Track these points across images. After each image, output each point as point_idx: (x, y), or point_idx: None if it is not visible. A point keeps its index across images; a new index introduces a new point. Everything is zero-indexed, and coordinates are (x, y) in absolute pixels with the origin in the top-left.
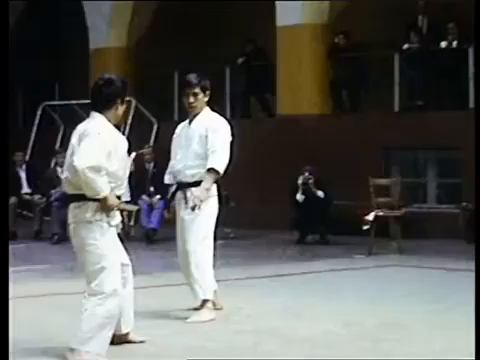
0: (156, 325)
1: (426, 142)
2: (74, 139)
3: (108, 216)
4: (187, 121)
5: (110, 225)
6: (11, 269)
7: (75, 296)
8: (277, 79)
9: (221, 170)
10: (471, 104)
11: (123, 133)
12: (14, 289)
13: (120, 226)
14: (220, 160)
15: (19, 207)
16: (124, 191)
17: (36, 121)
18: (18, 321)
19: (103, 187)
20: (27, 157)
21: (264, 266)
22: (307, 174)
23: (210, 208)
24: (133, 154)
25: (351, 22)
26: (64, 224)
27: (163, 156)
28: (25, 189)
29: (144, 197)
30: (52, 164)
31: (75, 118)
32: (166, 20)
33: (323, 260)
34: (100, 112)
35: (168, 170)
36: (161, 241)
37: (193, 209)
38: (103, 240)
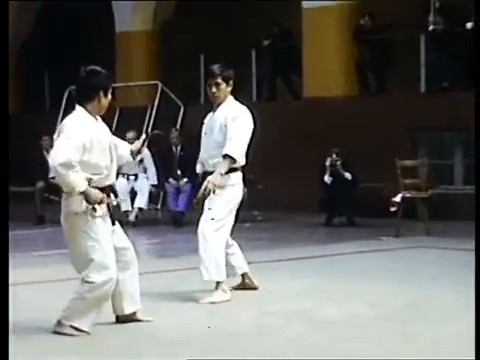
0: (183, 308)
1: (452, 123)
2: (55, 135)
3: (93, 208)
4: (212, 111)
5: (94, 217)
6: (40, 252)
7: None
8: (303, 61)
9: (237, 156)
10: None
11: (149, 116)
12: (43, 272)
13: (107, 214)
14: (236, 147)
15: (47, 191)
16: (113, 180)
17: (62, 105)
18: (51, 304)
19: (77, 182)
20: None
21: (292, 248)
22: (334, 156)
23: (227, 195)
24: (143, 136)
25: (377, 3)
26: None
27: (190, 139)
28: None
29: (171, 180)
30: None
31: None
32: (191, 3)
33: (350, 242)
34: (82, 104)
35: (198, 159)
36: (188, 224)
37: (208, 194)
38: (90, 231)
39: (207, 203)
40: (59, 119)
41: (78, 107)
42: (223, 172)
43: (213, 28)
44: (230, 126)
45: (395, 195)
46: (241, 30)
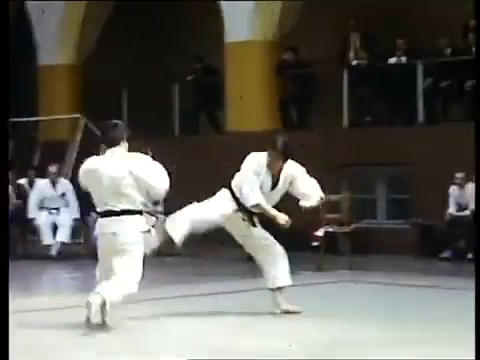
0: (106, 342)
1: (375, 158)
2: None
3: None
4: None
5: None
6: None
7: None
8: (226, 96)
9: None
10: (420, 119)
11: (72, 150)
12: None
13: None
14: None
15: None
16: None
17: None
18: None
19: None
20: None
21: (214, 283)
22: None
23: None
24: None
25: (300, 38)
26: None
27: None
28: None
29: (93, 214)
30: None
31: (24, 135)
32: (114, 37)
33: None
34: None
35: None
36: None
37: None
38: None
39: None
40: None
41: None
42: None
43: (137, 62)
44: None
45: (317, 229)
46: (164, 64)
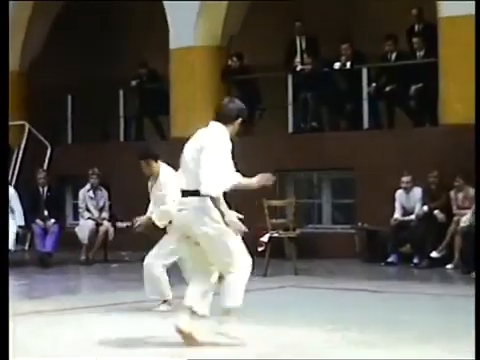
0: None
1: (320, 163)
2: None
3: None
4: None
5: None
6: None
7: None
8: (171, 101)
9: None
10: (365, 125)
11: (17, 157)
12: None
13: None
14: None
15: None
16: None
17: None
18: None
19: None
20: None
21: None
22: None
23: None
24: None
25: (245, 44)
26: None
27: (57, 180)
28: None
29: (38, 221)
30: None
31: None
32: (59, 43)
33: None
34: None
35: None
36: (55, 265)
37: None
38: None
39: None
40: None
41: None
42: None
43: (81, 68)
44: None
45: (263, 235)
46: (109, 70)
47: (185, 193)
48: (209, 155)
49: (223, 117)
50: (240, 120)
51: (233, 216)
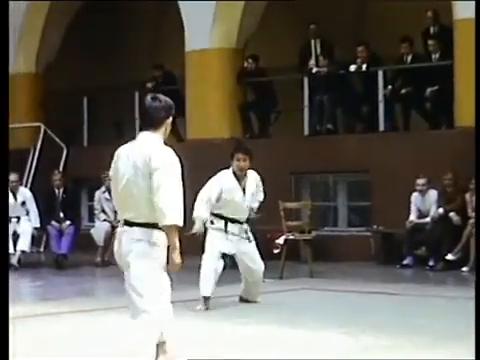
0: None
1: (336, 166)
2: None
3: None
4: None
5: None
6: None
7: None
8: (187, 104)
9: None
10: (381, 127)
11: (32, 159)
12: None
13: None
14: None
15: None
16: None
17: None
18: None
19: None
20: None
21: (175, 291)
22: None
23: None
24: None
25: (260, 46)
26: None
27: (72, 182)
28: None
29: (54, 223)
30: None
31: None
32: (75, 46)
33: (233, 285)
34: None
35: None
36: (71, 267)
37: None
38: None
39: None
40: None
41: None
42: None
43: (97, 70)
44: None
45: (278, 237)
46: (125, 72)
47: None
48: (164, 178)
49: (151, 121)
50: (171, 119)
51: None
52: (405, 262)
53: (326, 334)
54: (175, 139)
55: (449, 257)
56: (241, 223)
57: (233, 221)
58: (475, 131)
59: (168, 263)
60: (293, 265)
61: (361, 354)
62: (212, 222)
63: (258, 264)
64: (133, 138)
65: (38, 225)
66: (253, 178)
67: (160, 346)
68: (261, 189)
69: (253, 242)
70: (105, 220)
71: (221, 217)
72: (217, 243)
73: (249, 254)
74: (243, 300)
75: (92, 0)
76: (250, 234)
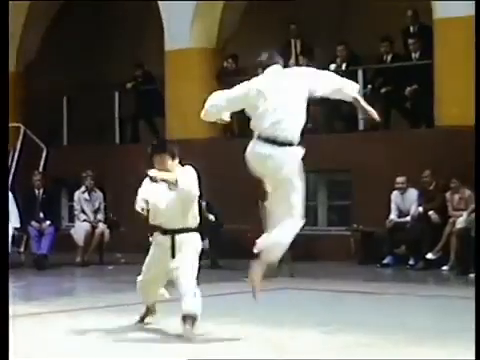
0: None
1: (316, 165)
2: None
3: None
4: None
5: None
6: None
7: None
8: (166, 103)
9: None
10: (361, 126)
11: (12, 159)
12: None
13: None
14: None
15: None
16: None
17: None
18: None
19: None
20: None
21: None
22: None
23: None
24: None
25: (240, 46)
26: None
27: (53, 182)
28: None
29: (34, 223)
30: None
31: None
32: (55, 46)
33: (213, 284)
34: None
35: None
36: (51, 267)
37: None
38: None
39: None
40: None
41: None
42: None
43: (77, 70)
44: None
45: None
46: (105, 72)
47: None
48: None
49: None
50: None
51: None
52: (385, 261)
53: (306, 333)
54: (155, 138)
55: (429, 256)
56: None
57: None
58: (475, 131)
59: None
60: (273, 265)
61: (341, 352)
62: None
63: None
64: (113, 138)
65: (18, 225)
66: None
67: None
68: None
69: None
70: (85, 220)
71: None
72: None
73: None
74: None
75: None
76: None
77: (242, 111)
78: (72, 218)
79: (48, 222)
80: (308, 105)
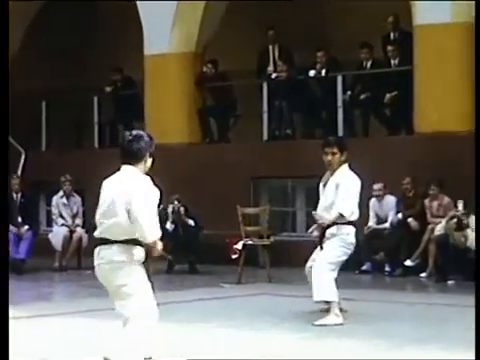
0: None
1: (294, 171)
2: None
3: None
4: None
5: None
6: None
7: None
8: (145, 108)
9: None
10: (340, 132)
11: None
12: None
13: None
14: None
15: None
16: None
17: None
18: None
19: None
20: None
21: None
22: (177, 203)
23: (339, 241)
24: None
25: (219, 51)
26: None
27: (31, 186)
28: None
29: (11, 227)
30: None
31: None
32: (34, 49)
33: (191, 289)
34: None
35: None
36: (29, 272)
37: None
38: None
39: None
40: None
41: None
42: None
43: (56, 74)
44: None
45: (237, 242)
46: (84, 76)
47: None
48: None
49: (134, 158)
50: (151, 159)
51: None
52: (363, 268)
53: (284, 339)
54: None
55: (407, 263)
56: None
57: None
58: (475, 132)
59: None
60: (251, 270)
61: (319, 358)
62: None
63: None
64: (92, 143)
65: None
66: None
67: None
68: None
69: None
70: (63, 225)
71: None
72: None
73: None
74: None
75: (52, 0)
76: None
77: (221, 116)
78: (50, 222)
79: (26, 226)
80: (286, 111)
